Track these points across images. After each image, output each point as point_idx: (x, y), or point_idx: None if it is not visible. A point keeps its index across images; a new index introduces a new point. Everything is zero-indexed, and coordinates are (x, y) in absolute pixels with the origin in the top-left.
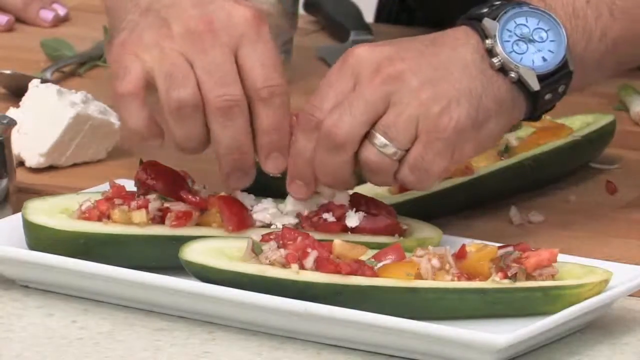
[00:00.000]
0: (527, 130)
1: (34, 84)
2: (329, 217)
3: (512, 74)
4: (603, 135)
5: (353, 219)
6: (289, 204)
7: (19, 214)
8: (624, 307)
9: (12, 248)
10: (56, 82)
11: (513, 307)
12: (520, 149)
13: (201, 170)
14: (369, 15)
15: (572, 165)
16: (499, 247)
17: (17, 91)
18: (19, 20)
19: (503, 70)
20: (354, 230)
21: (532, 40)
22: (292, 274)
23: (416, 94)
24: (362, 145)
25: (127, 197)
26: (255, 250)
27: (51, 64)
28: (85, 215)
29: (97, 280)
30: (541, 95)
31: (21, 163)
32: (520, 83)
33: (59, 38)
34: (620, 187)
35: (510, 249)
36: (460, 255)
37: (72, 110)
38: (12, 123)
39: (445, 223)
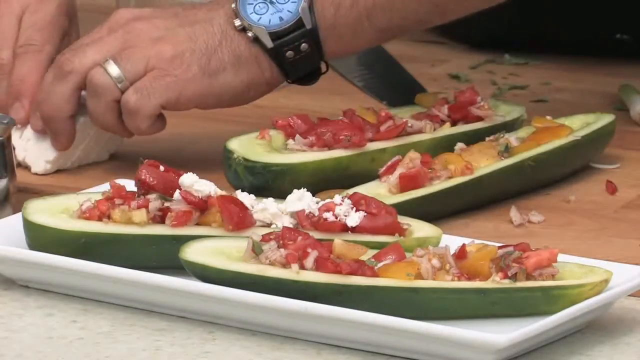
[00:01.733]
0: (527, 130)
1: None
2: (329, 216)
3: (249, 34)
4: (603, 135)
5: (353, 219)
6: (290, 204)
7: (19, 214)
8: (624, 307)
9: (12, 248)
10: None
11: (513, 307)
12: (520, 149)
13: (202, 170)
14: None
15: (572, 165)
16: (499, 247)
17: None
18: None
19: (244, 29)
20: (354, 230)
21: (272, 2)
22: (292, 274)
23: (153, 42)
24: (91, 71)
25: (128, 197)
26: (256, 250)
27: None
28: (85, 215)
29: (97, 280)
30: (281, 53)
31: (20, 164)
32: (259, 41)
33: None
34: (620, 187)
35: (510, 249)
36: (460, 255)
37: (79, 117)
38: (12, 123)
39: (445, 223)
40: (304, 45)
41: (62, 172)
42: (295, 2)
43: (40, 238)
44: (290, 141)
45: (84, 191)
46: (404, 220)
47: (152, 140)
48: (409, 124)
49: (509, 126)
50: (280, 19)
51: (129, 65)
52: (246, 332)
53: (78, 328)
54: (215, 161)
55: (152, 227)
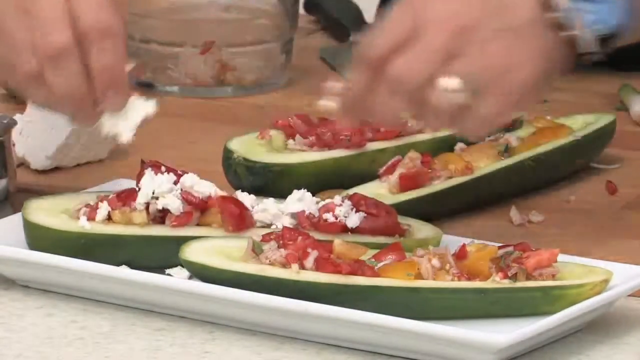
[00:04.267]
0: (527, 130)
1: None
2: (329, 217)
3: (570, 30)
4: (603, 135)
5: (353, 220)
6: (290, 204)
7: (19, 214)
8: (624, 307)
9: (12, 248)
10: None
11: (513, 307)
12: (520, 149)
13: (202, 170)
14: (368, 15)
15: (572, 165)
16: (499, 247)
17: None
18: None
19: (561, 25)
20: (354, 230)
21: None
22: (292, 274)
23: (487, 46)
24: (433, 89)
25: (128, 197)
26: (256, 250)
27: None
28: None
29: (97, 280)
30: (592, 53)
31: (22, 164)
32: (573, 39)
33: None
34: (620, 187)
35: (510, 249)
36: (461, 255)
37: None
38: (12, 123)
39: (445, 223)
40: (610, 49)
41: (62, 171)
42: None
43: (40, 238)
44: (291, 141)
45: (84, 191)
46: (404, 220)
47: (152, 140)
48: (409, 124)
49: (509, 126)
50: (601, 20)
51: (470, 82)
52: (246, 332)
53: (78, 328)
54: (215, 161)
55: (152, 228)
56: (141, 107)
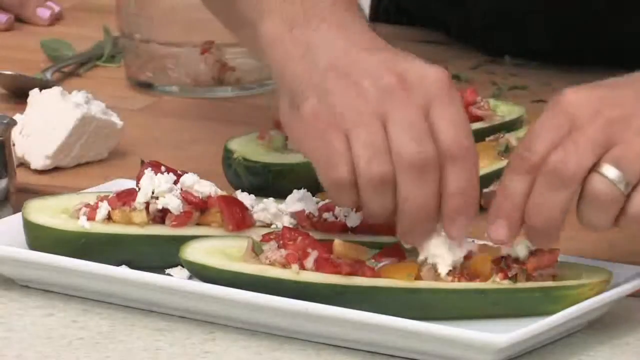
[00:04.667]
0: (527, 130)
1: (34, 93)
2: (329, 217)
3: None
4: None
5: (353, 219)
6: (290, 204)
7: (19, 214)
8: (624, 307)
9: (12, 248)
10: (56, 82)
11: (513, 308)
12: None
13: (202, 170)
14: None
15: None
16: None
17: (17, 92)
18: (17, 19)
19: None
20: (354, 230)
21: None
22: (292, 274)
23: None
24: (589, 178)
25: (128, 197)
26: (256, 250)
27: (51, 64)
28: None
29: (97, 280)
30: None
31: (22, 164)
32: None
33: (59, 38)
34: None
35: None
36: (465, 257)
37: (78, 111)
38: (12, 123)
39: None
40: None
41: (62, 171)
42: None
43: (40, 238)
44: None
45: (84, 191)
46: None
47: (152, 140)
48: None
49: (509, 126)
50: None
51: (631, 168)
52: (246, 332)
53: (78, 328)
54: (215, 161)
55: (152, 228)
56: (56, 134)
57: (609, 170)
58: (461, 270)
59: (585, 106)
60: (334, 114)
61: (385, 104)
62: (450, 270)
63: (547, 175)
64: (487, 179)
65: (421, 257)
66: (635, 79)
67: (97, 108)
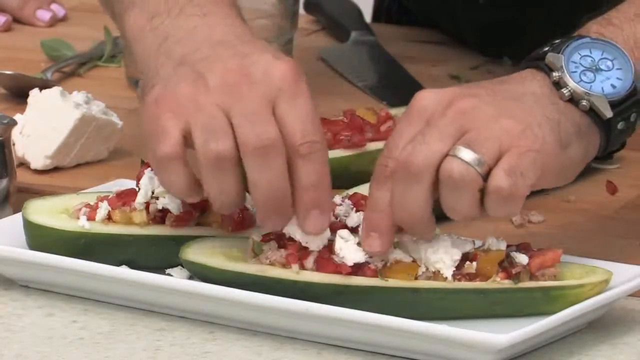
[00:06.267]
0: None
1: (34, 93)
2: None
3: (584, 103)
4: None
5: (353, 219)
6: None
7: (19, 214)
8: (624, 307)
9: (12, 248)
10: (56, 82)
11: (513, 307)
12: None
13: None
14: (368, 15)
15: None
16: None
17: (17, 92)
18: (17, 20)
19: (573, 100)
20: (354, 230)
21: (598, 70)
22: (292, 274)
23: (494, 120)
24: (443, 162)
25: (128, 197)
26: (256, 250)
27: (51, 64)
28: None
29: (97, 280)
30: (614, 124)
31: (22, 164)
32: (592, 112)
33: (59, 38)
34: (620, 187)
35: (514, 249)
36: (471, 258)
37: (78, 111)
38: (12, 123)
39: (446, 223)
40: (633, 116)
41: (62, 171)
42: (621, 68)
43: (40, 238)
44: None
45: (84, 191)
46: None
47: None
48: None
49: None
50: (612, 86)
51: (483, 147)
52: (246, 332)
53: (78, 328)
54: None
55: (152, 228)
56: (56, 134)
57: (462, 152)
58: (462, 270)
59: (439, 102)
60: (175, 103)
61: (229, 97)
62: (454, 271)
63: (400, 172)
64: None
65: (422, 268)
66: (492, 80)
67: (97, 108)
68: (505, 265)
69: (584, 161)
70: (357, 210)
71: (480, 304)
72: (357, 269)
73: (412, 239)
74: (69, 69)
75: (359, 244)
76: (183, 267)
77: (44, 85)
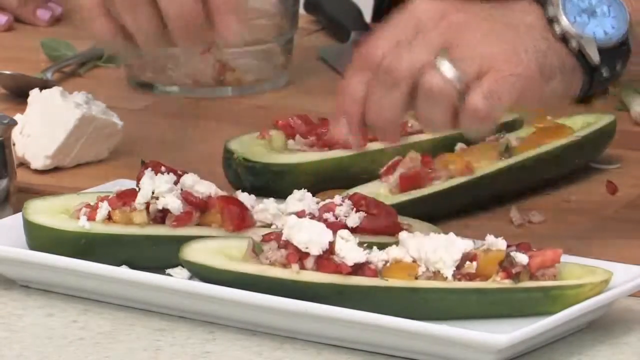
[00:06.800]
0: (527, 130)
1: (34, 93)
2: (329, 217)
3: (573, 43)
4: (603, 135)
5: (353, 220)
6: (290, 204)
7: (19, 214)
8: (624, 307)
9: (12, 248)
10: (57, 82)
11: (513, 307)
12: (520, 149)
13: (202, 170)
14: (368, 16)
15: (572, 165)
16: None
17: (17, 92)
18: (17, 20)
19: (564, 39)
20: (354, 230)
21: (594, 14)
22: (292, 274)
23: (481, 40)
24: (424, 73)
25: (128, 197)
26: (256, 250)
27: (51, 64)
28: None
29: (97, 280)
30: (599, 70)
31: (22, 164)
32: (580, 54)
33: (59, 38)
34: (620, 187)
35: (514, 249)
36: (471, 258)
37: (78, 111)
38: (12, 123)
39: (445, 223)
40: (619, 65)
41: (62, 171)
42: (616, 16)
43: (40, 238)
44: (291, 141)
45: (84, 191)
46: (404, 220)
47: (153, 140)
48: (409, 124)
49: (509, 126)
50: (605, 33)
51: (465, 65)
52: (246, 332)
53: (78, 328)
54: (215, 161)
55: (152, 228)
56: (56, 134)
57: (443, 65)
58: (462, 270)
59: (432, 12)
60: None
61: None
62: (454, 271)
63: (381, 74)
64: (488, 179)
65: (422, 268)
66: (495, 4)
67: (97, 108)
68: (505, 265)
69: (565, 97)
70: (357, 211)
71: (480, 304)
72: (357, 269)
73: (412, 237)
74: (69, 69)
75: (359, 244)
76: (183, 267)
77: (44, 85)
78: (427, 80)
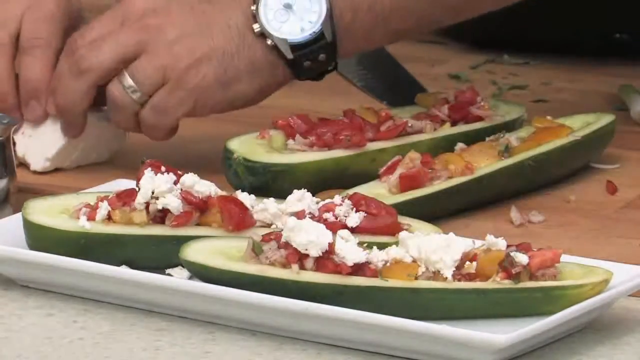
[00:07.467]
0: (527, 130)
1: None
2: (329, 217)
3: (269, 41)
4: (603, 135)
5: (353, 219)
6: (290, 204)
7: (19, 214)
8: (624, 307)
9: (12, 248)
10: None
11: (513, 307)
12: (520, 149)
13: (202, 170)
14: None
15: (572, 165)
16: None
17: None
18: None
19: (263, 35)
20: (354, 230)
21: (292, 10)
22: (292, 274)
23: (170, 46)
24: (110, 83)
25: (128, 197)
26: (256, 250)
27: None
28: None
29: (97, 280)
30: (299, 62)
31: (22, 164)
32: (278, 49)
33: None
34: (620, 187)
35: (514, 249)
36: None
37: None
38: (12, 123)
39: (445, 223)
40: (322, 56)
41: (62, 171)
42: (315, 12)
43: (40, 238)
44: (291, 141)
45: (84, 191)
46: (404, 220)
47: (152, 140)
48: (409, 124)
49: (509, 126)
50: (302, 29)
51: (146, 81)
52: (246, 332)
53: (78, 328)
54: (215, 161)
55: (152, 228)
56: (58, 136)
57: (125, 79)
58: (462, 270)
59: (137, 8)
60: None
61: None
62: (454, 271)
63: (72, 62)
64: (488, 179)
65: (422, 268)
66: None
67: (99, 112)
68: (505, 265)
69: (262, 92)
70: (357, 211)
71: (480, 304)
72: (357, 269)
73: (412, 236)
74: None
75: (359, 244)
76: (183, 267)
77: None
78: (110, 89)
